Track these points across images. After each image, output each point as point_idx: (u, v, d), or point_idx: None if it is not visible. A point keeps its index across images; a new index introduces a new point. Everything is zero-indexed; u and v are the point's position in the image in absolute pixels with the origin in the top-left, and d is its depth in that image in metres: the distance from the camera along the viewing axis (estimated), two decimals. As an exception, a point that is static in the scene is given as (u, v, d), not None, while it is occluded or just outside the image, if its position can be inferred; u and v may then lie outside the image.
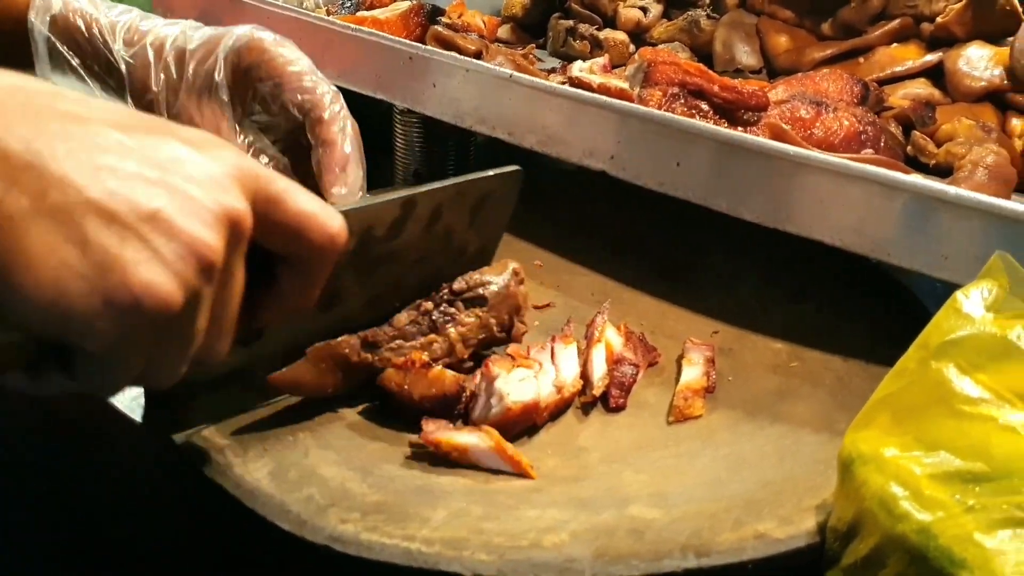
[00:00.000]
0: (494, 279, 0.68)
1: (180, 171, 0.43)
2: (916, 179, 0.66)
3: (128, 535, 0.64)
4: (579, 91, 0.78)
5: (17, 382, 0.45)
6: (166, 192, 0.42)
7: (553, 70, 1.06)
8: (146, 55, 0.66)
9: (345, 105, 0.67)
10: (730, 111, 0.80)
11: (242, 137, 0.67)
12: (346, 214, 0.51)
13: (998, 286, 0.54)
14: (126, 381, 0.46)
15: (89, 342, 0.42)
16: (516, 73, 0.81)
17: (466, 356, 0.67)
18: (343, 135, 0.66)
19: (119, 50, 0.65)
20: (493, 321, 0.67)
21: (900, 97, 1.00)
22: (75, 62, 0.63)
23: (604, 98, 0.77)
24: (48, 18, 0.61)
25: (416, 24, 1.00)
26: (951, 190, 0.63)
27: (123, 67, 0.65)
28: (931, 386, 0.52)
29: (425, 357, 0.63)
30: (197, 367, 0.48)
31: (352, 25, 0.92)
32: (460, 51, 0.97)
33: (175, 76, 0.66)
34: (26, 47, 0.62)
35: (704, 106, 0.79)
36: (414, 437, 0.61)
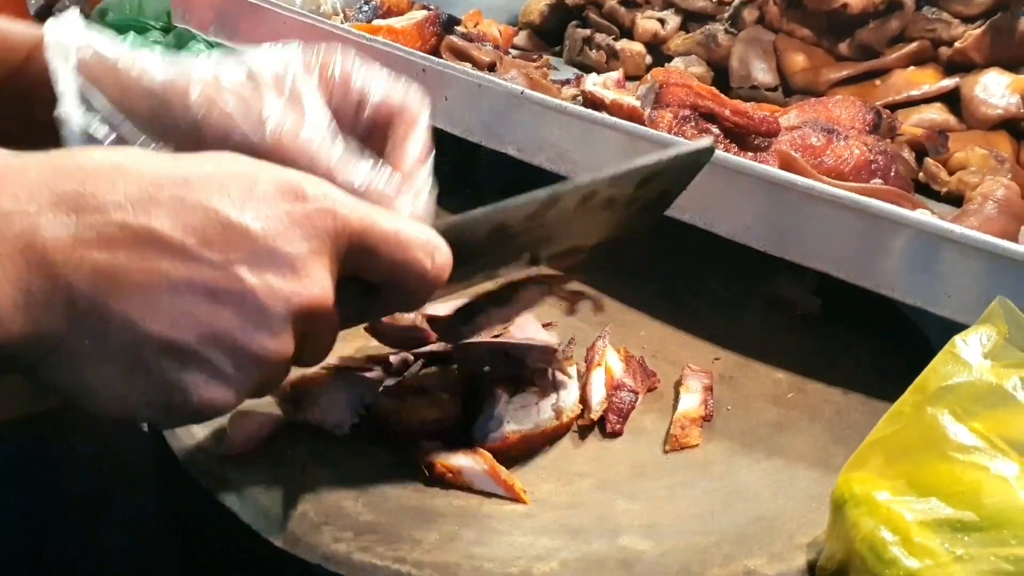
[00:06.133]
0: None
1: (251, 266, 0.42)
2: (921, 216, 0.66)
3: (117, 541, 0.65)
4: (590, 111, 0.78)
5: None
6: (231, 303, 0.41)
7: (567, 81, 1.06)
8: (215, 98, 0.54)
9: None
10: (740, 136, 0.80)
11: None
12: (473, 222, 0.50)
13: (997, 333, 0.53)
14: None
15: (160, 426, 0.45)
16: (528, 91, 0.81)
17: None
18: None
19: (195, 101, 0.52)
20: None
21: (915, 122, 1.00)
22: (105, 105, 0.53)
23: (614, 119, 0.77)
24: (74, 60, 0.55)
25: (431, 34, 1.00)
26: (956, 229, 0.63)
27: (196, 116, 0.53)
28: (925, 431, 0.52)
29: (416, 384, 0.63)
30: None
31: (366, 35, 0.92)
32: (474, 62, 0.97)
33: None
34: (27, 96, 0.55)
35: (715, 129, 0.79)
36: (409, 457, 0.62)
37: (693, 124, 0.78)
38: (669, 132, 0.77)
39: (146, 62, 0.53)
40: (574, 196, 0.56)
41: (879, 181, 0.78)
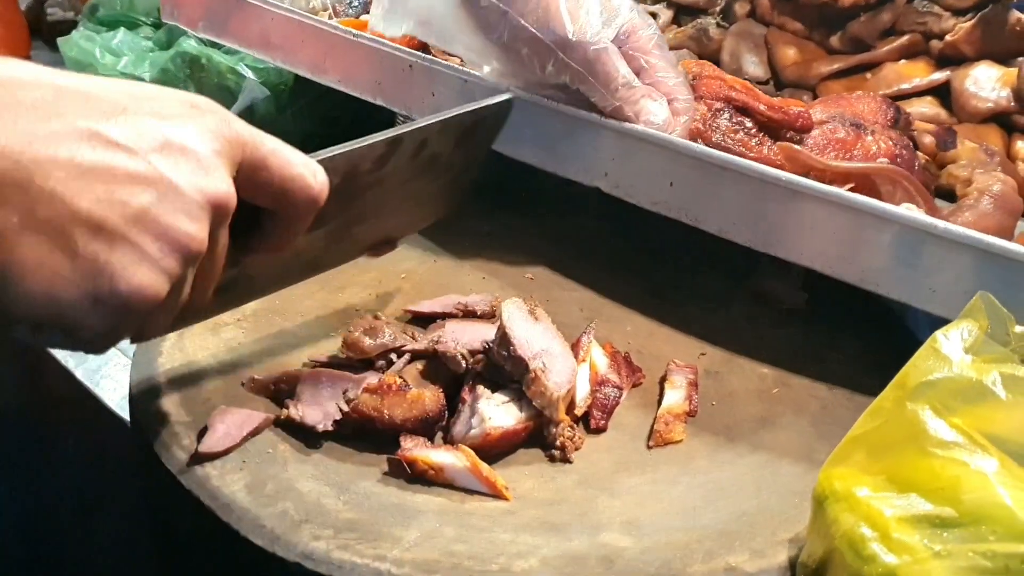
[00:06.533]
0: None
1: (164, 156, 0.45)
2: (906, 211, 0.65)
3: (105, 541, 0.65)
4: (575, 109, 0.78)
5: (23, 335, 0.48)
6: (151, 185, 0.44)
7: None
8: None
9: None
10: (774, 129, 0.79)
11: None
12: (332, 158, 0.56)
13: (978, 327, 0.53)
14: (114, 345, 0.49)
15: (80, 332, 0.45)
16: (513, 87, 0.81)
17: None
18: None
19: None
20: None
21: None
22: None
23: (599, 117, 0.76)
24: None
25: (420, 29, 0.99)
26: (940, 224, 0.63)
27: None
28: (905, 426, 0.51)
29: (399, 380, 0.63)
30: (181, 317, 0.52)
31: (354, 31, 0.91)
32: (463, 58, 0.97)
33: None
34: None
35: (748, 123, 0.78)
36: (392, 453, 0.62)
37: (727, 117, 0.78)
38: (703, 125, 0.77)
39: None
40: (412, 140, 0.64)
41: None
